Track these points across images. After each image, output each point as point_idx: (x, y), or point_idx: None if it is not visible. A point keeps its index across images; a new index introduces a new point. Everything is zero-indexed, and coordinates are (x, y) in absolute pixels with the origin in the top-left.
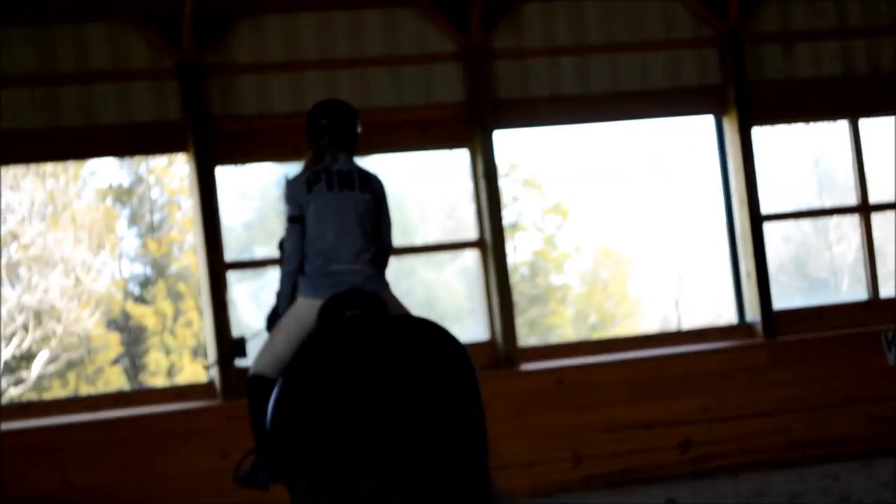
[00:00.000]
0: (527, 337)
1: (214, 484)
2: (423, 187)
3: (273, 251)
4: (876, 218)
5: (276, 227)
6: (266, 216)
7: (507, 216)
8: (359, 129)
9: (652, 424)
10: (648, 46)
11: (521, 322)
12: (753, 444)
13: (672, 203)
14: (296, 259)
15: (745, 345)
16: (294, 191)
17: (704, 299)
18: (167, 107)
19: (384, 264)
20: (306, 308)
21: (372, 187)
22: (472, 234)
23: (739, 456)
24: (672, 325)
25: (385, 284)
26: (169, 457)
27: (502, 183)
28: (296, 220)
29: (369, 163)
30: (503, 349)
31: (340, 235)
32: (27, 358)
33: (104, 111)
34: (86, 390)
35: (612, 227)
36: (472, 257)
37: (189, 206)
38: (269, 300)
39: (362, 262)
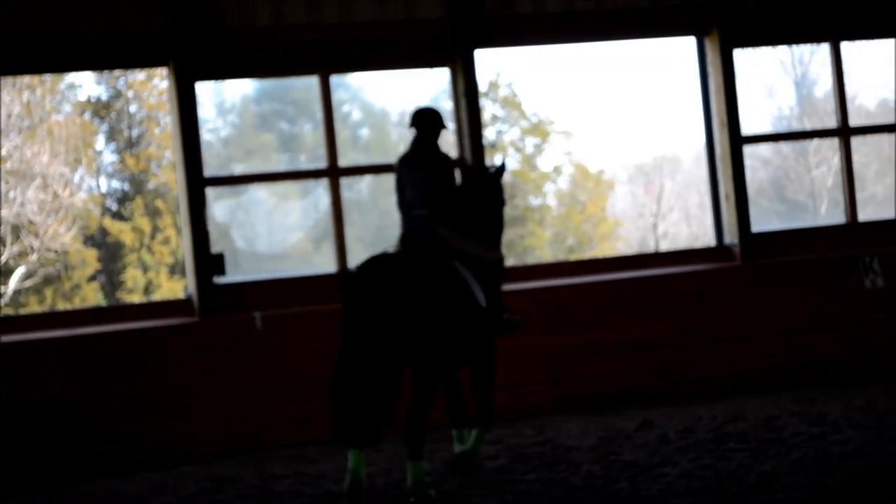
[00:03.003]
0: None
1: (192, 401)
2: (402, 105)
3: (252, 168)
4: (855, 141)
5: (255, 143)
6: (245, 133)
7: (487, 136)
8: (439, 127)
9: (629, 347)
10: None
11: None
12: (731, 368)
13: (653, 124)
14: (403, 207)
15: (723, 267)
16: (398, 166)
17: (683, 221)
18: (147, 19)
19: (439, 213)
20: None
21: (438, 165)
22: (452, 153)
23: (717, 379)
24: (650, 247)
25: (441, 224)
26: (147, 373)
27: (483, 102)
28: (398, 184)
29: (351, 81)
30: None
31: (414, 195)
32: (4, 273)
33: (82, 22)
34: (63, 306)
35: (592, 149)
36: None
37: (168, 121)
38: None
39: (427, 211)
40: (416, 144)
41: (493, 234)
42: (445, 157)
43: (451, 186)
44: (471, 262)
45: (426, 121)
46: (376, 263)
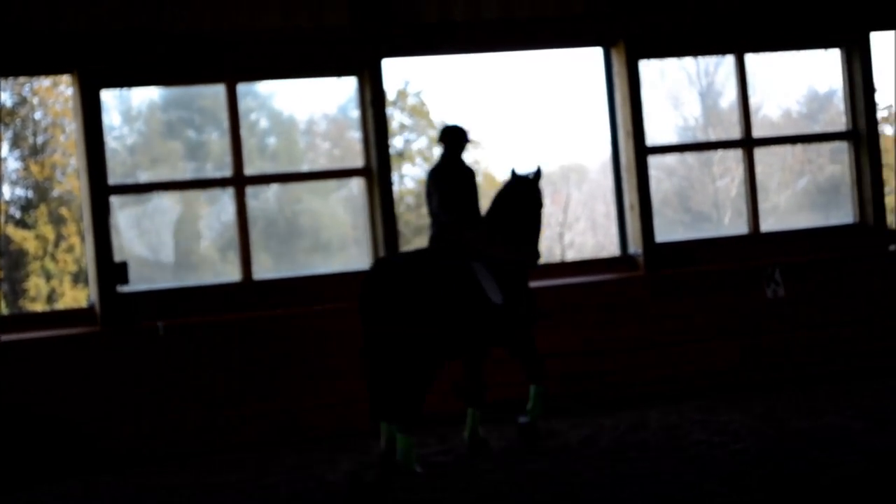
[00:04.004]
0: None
1: (94, 412)
2: (310, 114)
3: (158, 176)
4: (758, 152)
5: (161, 151)
6: (152, 140)
7: (395, 145)
8: (464, 142)
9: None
10: None
11: None
12: (634, 377)
13: (560, 134)
14: (431, 213)
15: (627, 277)
16: (427, 178)
17: (589, 231)
18: (53, 25)
19: (462, 218)
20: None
21: (462, 176)
22: (358, 162)
23: (620, 389)
24: (556, 257)
25: (465, 228)
26: (48, 383)
27: (390, 111)
28: (427, 193)
29: (259, 89)
30: None
31: (440, 203)
32: None
33: None
34: None
35: (499, 159)
36: (358, 186)
37: (73, 128)
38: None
39: (451, 217)
40: (443, 158)
41: (532, 235)
42: (469, 169)
43: (474, 195)
44: (490, 263)
45: (452, 137)
46: (393, 262)
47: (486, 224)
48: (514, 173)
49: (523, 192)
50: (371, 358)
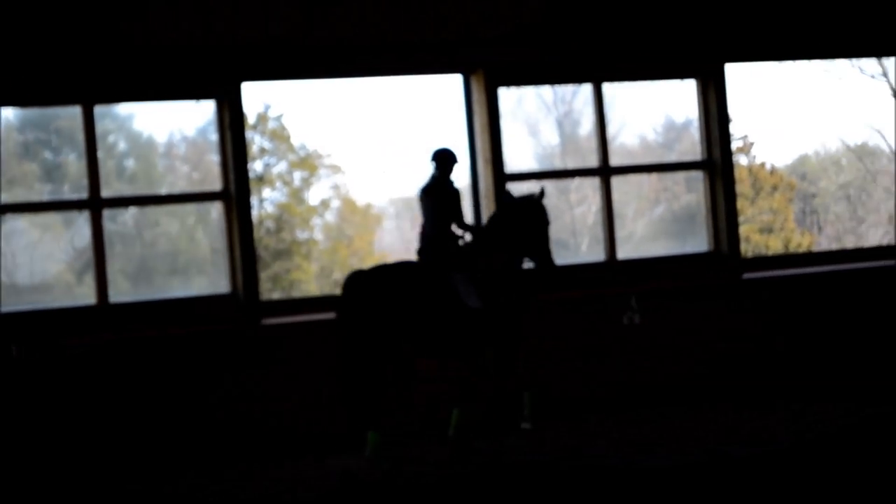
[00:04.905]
0: (270, 292)
1: None
2: (170, 136)
3: (13, 198)
4: (615, 181)
5: (17, 172)
6: (7, 161)
7: (255, 169)
8: (453, 163)
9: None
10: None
11: (265, 276)
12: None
13: (421, 160)
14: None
15: None
16: (419, 195)
17: None
18: None
19: (449, 232)
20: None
21: (448, 194)
22: (217, 185)
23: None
24: None
25: (449, 241)
26: None
27: (250, 135)
28: (422, 209)
29: (118, 110)
30: (245, 303)
31: (429, 218)
32: None
33: None
34: None
35: (360, 183)
36: (216, 209)
37: None
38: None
39: (434, 230)
40: (433, 178)
41: (541, 248)
42: (455, 189)
43: (458, 211)
44: (475, 272)
45: (442, 159)
46: (365, 271)
47: (488, 235)
48: (523, 197)
49: (531, 209)
50: (350, 366)
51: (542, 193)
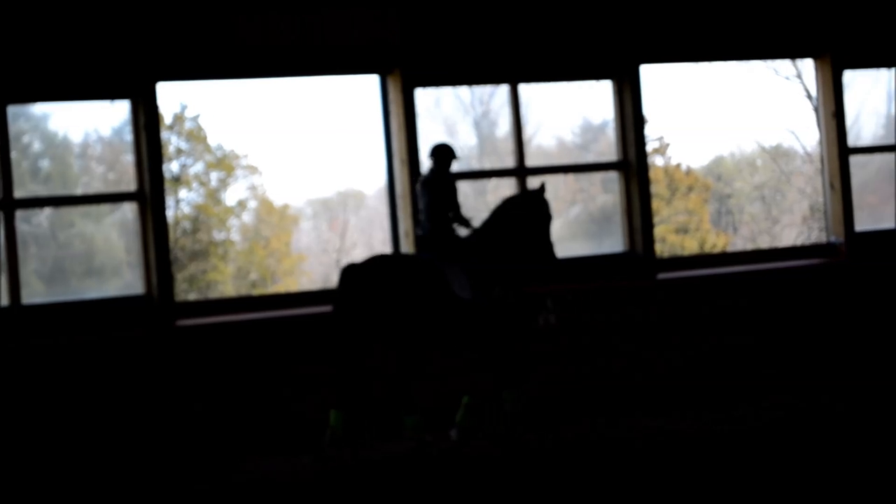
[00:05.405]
0: (187, 293)
1: None
2: (85, 136)
3: None
4: (533, 181)
5: None
6: None
7: (171, 169)
8: (451, 158)
9: (308, 384)
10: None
11: (181, 278)
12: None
13: (338, 160)
14: (418, 219)
15: None
16: (417, 188)
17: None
18: None
19: (446, 223)
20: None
21: (444, 188)
22: (132, 186)
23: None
24: (334, 283)
25: (446, 232)
26: None
27: (166, 135)
28: (420, 200)
29: (33, 110)
30: (159, 304)
31: (424, 209)
32: None
33: None
34: None
35: (277, 184)
36: (132, 210)
37: None
38: None
39: (430, 221)
40: (432, 171)
41: (543, 241)
42: (453, 182)
43: (455, 203)
44: (471, 264)
45: (440, 154)
46: (358, 264)
47: (489, 230)
48: (524, 192)
49: (531, 204)
50: (345, 358)
51: (542, 188)
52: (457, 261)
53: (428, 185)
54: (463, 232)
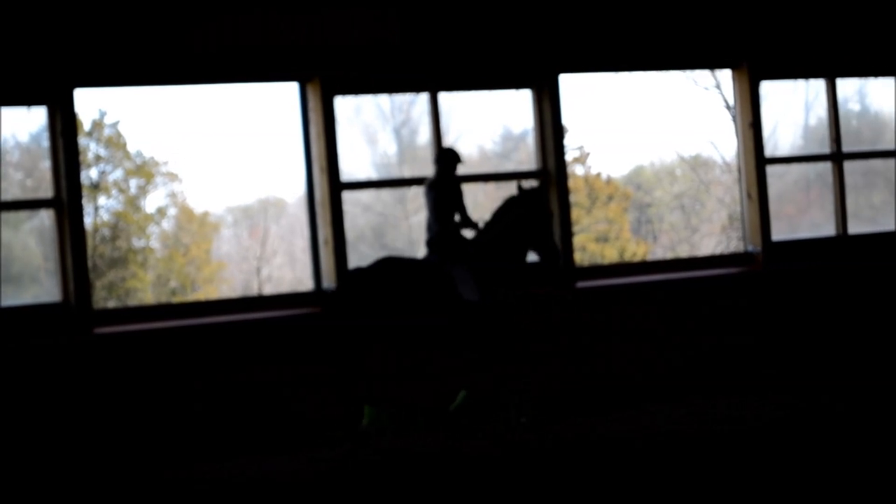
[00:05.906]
0: (106, 300)
1: None
2: (3, 142)
3: None
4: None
5: None
6: None
7: (90, 176)
8: (455, 162)
9: (233, 390)
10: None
11: (100, 285)
12: (344, 411)
13: (259, 168)
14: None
15: (321, 312)
16: (424, 191)
17: (287, 265)
18: None
19: (452, 224)
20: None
21: (450, 190)
22: (49, 193)
23: (333, 421)
24: (254, 291)
25: (452, 234)
26: None
27: (85, 142)
28: (426, 203)
29: None
30: (77, 311)
31: (430, 212)
32: None
33: None
34: None
35: (197, 191)
36: (48, 217)
37: None
38: None
39: (437, 224)
40: (438, 175)
41: (545, 239)
42: (458, 185)
43: (461, 206)
44: (478, 265)
45: (445, 158)
46: (382, 264)
47: (492, 230)
48: (523, 190)
49: (531, 202)
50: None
51: (542, 185)
52: (464, 262)
53: (434, 189)
54: (469, 234)
